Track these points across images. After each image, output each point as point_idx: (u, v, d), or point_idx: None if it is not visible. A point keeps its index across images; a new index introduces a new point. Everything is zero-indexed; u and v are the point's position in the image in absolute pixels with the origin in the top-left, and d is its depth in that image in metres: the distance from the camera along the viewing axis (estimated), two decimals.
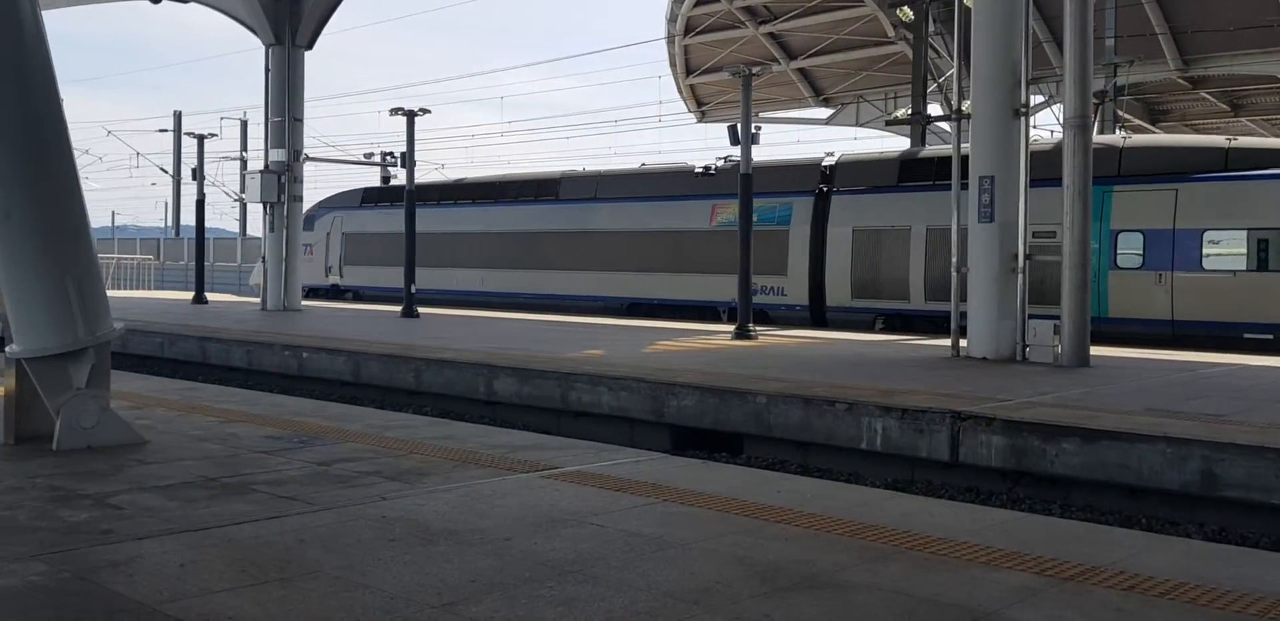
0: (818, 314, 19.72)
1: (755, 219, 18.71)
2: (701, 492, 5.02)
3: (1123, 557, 4.03)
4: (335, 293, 27.92)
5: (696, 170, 21.11)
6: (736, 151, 16.16)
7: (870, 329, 18.64)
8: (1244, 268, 15.28)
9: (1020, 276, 11.94)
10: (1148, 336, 15.81)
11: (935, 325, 17.33)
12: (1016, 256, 11.98)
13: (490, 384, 10.43)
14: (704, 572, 3.70)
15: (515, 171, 27.09)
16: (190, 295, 25.44)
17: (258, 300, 22.63)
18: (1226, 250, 15.57)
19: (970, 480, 7.49)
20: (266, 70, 21.85)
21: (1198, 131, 33.60)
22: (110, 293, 24.51)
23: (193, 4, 21.95)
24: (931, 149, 20.03)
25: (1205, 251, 15.58)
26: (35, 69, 5.87)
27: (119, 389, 8.04)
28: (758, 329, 15.40)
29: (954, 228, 12.81)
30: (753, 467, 7.01)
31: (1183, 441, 6.51)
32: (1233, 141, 16.59)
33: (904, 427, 7.65)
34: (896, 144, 29.76)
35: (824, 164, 20.13)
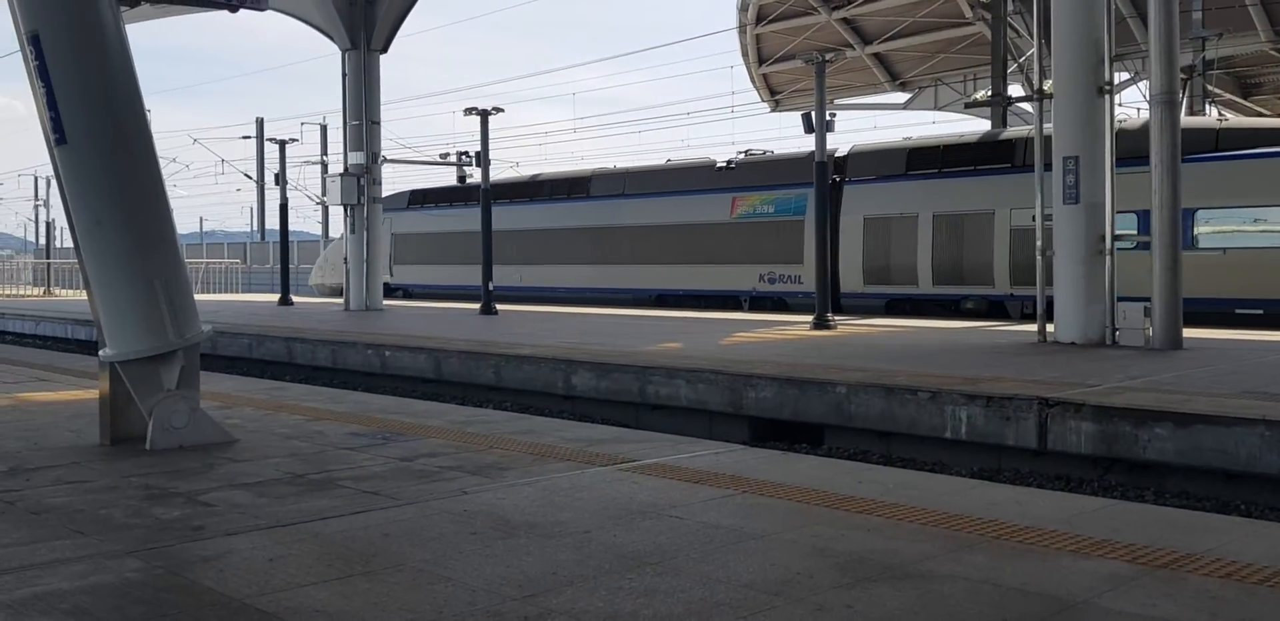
0: (831, 302, 19.45)
1: (773, 210, 20.86)
2: (781, 484, 4.99)
3: (1219, 545, 3.90)
4: (386, 291, 28.21)
5: (718, 165, 22.02)
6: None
7: (883, 314, 19.31)
8: (1234, 245, 15.87)
9: (1109, 259, 11.64)
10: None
11: (943, 308, 18.75)
12: (1104, 238, 11.68)
13: (568, 378, 10.49)
14: (784, 563, 3.67)
15: (549, 171, 28.35)
16: (276, 297, 26.03)
17: (339, 301, 23.06)
18: (1220, 229, 16.14)
19: (1059, 468, 7.32)
20: (343, 75, 22.22)
21: None
22: (199, 296, 25.21)
23: (271, 13, 22.40)
24: (936, 137, 20.51)
25: (1197, 231, 15.96)
26: (121, 82, 6.04)
27: (209, 389, 8.26)
28: (836, 319, 15.23)
29: (1038, 211, 12.54)
30: (834, 458, 6.94)
31: None
32: (1223, 122, 17.19)
33: (989, 415, 7.50)
34: (977, 126, 29.19)
35: (837, 155, 20.38)
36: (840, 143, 20.14)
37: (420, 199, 29.21)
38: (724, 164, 22.06)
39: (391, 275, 28.53)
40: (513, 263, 25.22)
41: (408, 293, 28.73)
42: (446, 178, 27.80)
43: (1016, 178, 17.77)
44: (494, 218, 22.22)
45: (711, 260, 21.87)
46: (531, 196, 26.02)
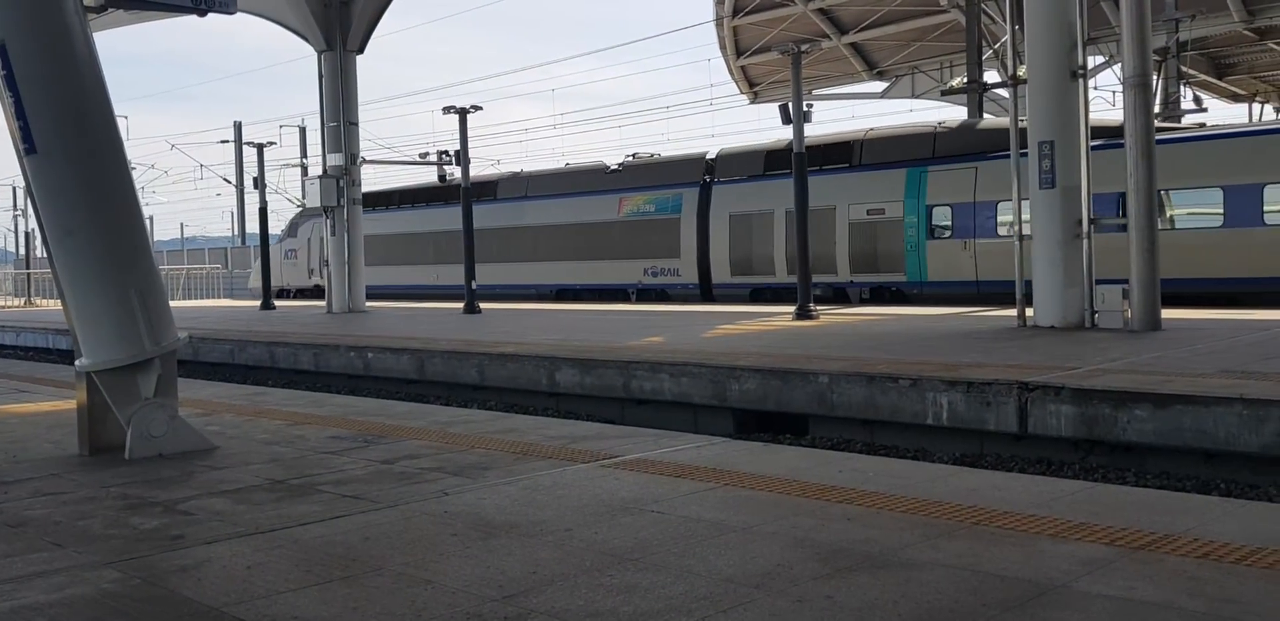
0: (706, 291, 22.43)
1: (654, 208, 22.96)
2: (762, 475, 4.99)
3: (1197, 524, 3.92)
4: (318, 292, 30.47)
5: (608, 168, 24.09)
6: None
7: (751, 302, 21.21)
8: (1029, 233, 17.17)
9: (1086, 242, 11.69)
10: (960, 297, 18.35)
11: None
12: (1081, 222, 11.73)
13: (552, 375, 10.48)
14: (765, 556, 3.67)
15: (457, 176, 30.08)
16: (258, 302, 25.95)
17: (321, 303, 22.98)
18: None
19: (1041, 451, 7.36)
20: (320, 76, 22.14)
21: (1265, 82, 32.62)
22: (182, 303, 25.29)
23: (247, 16, 22.29)
24: (788, 140, 22.26)
25: (1000, 220, 17.96)
26: (90, 90, 6.00)
27: (189, 396, 8.24)
28: (818, 308, 15.28)
29: (1015, 196, 12.59)
30: (816, 448, 6.96)
31: (1260, 402, 6.32)
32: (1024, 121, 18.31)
33: (970, 401, 7.53)
34: (953, 114, 29.26)
35: (708, 157, 22.82)
36: (819, 132, 20.88)
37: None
38: (612, 167, 24.13)
39: (322, 277, 29.55)
40: (431, 263, 26.99)
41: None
42: (427, 177, 28.04)
43: (854, 176, 20.32)
44: (414, 221, 24.24)
45: (603, 256, 23.80)
46: (446, 200, 27.50)
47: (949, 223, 18.81)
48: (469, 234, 20.69)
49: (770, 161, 21.53)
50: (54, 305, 30.96)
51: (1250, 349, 8.94)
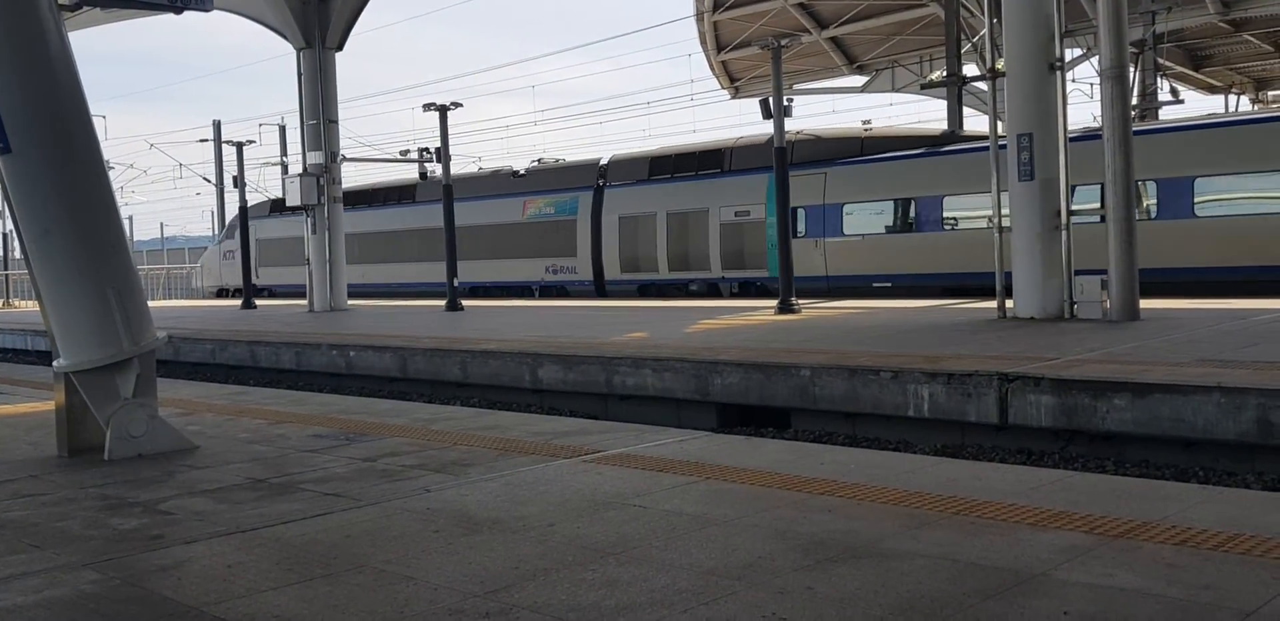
0: (600, 287, 24.13)
1: (554, 210, 24.71)
2: (744, 469, 5.00)
3: (1176, 511, 3.95)
4: (255, 291, 32.10)
5: (514, 172, 25.66)
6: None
7: (638, 297, 22.87)
8: (870, 232, 19.85)
9: (1065, 234, 11.75)
10: (811, 291, 19.88)
11: (680, 290, 22.79)
12: (1059, 214, 11.79)
13: (535, 372, 10.47)
14: (746, 548, 3.68)
15: (383, 180, 32.38)
16: (239, 301, 25.84)
17: (304, 302, 22.89)
18: (859, 219, 20.04)
19: (1021, 442, 7.40)
20: (299, 74, 22.04)
21: (1241, 74, 32.80)
22: (163, 302, 25.18)
23: (225, 13, 22.18)
24: (675, 146, 24.35)
25: (846, 221, 20.03)
26: (65, 89, 5.95)
27: (169, 396, 8.20)
28: (800, 302, 15.32)
29: (994, 188, 12.65)
30: (799, 441, 6.97)
31: (1237, 390, 6.37)
32: (867, 131, 21.30)
33: (951, 392, 7.56)
34: (933, 107, 29.35)
35: (601, 163, 24.59)
36: (798, 128, 21.87)
37: (280, 207, 32.48)
38: (518, 172, 25.85)
39: (258, 276, 31.68)
40: (357, 262, 28.27)
41: (271, 292, 32.16)
42: (408, 174, 28.33)
43: (725, 181, 22.02)
44: (359, 222, 25.54)
45: (510, 255, 25.50)
46: (370, 202, 29.30)
47: (803, 224, 20.53)
48: (450, 230, 20.77)
49: (654, 167, 23.32)
50: (32, 306, 30.74)
51: (1228, 337, 9.00)
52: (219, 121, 46.20)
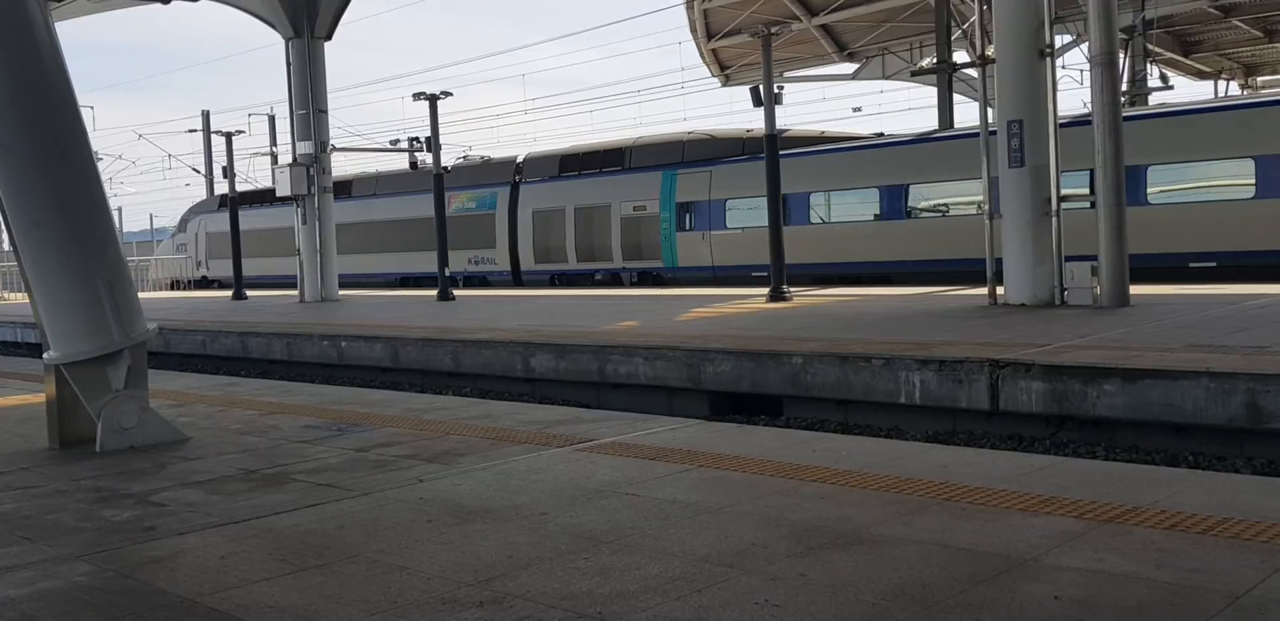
0: (517, 278, 25.67)
1: (475, 205, 26.25)
2: (737, 457, 5.02)
3: (1165, 496, 3.97)
4: (204, 283, 34.23)
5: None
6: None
7: (548, 286, 24.48)
8: (749, 225, 21.15)
9: (1055, 220, 11.77)
10: (699, 280, 21.86)
11: (588, 279, 24.32)
12: (1050, 200, 11.80)
13: (527, 361, 10.47)
14: (739, 535, 3.69)
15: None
16: (229, 292, 25.80)
17: (295, 293, 22.83)
18: (740, 214, 21.60)
19: (1013, 428, 7.42)
20: (288, 64, 21.92)
21: (1231, 60, 32.81)
22: (151, 294, 25.04)
23: (213, 3, 22.03)
24: (582, 145, 26.15)
25: (729, 215, 21.64)
26: (52, 80, 5.92)
27: (161, 388, 8.18)
28: (792, 290, 15.33)
29: (984, 174, 12.65)
30: (791, 429, 6.99)
31: (1226, 375, 6.40)
32: (749, 133, 22.42)
33: (942, 379, 7.59)
34: (924, 94, 29.34)
35: (518, 160, 26.11)
36: (788, 116, 22.90)
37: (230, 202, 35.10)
38: (444, 168, 27.26)
39: (208, 269, 34.20)
40: (295, 255, 29.94)
41: (221, 284, 33.20)
42: (398, 164, 28.73)
43: (625, 178, 23.64)
44: (278, 217, 26.41)
45: (435, 248, 26.04)
46: (337, 195, 30.59)
47: (693, 218, 22.28)
48: (441, 218, 20.78)
49: (564, 165, 24.94)
50: (22, 299, 30.62)
51: (1218, 323, 9.03)
52: (208, 112, 46.02)
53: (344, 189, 29.14)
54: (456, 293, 21.06)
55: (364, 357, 12.35)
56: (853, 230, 20.22)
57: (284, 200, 30.60)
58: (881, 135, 22.01)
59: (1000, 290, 12.13)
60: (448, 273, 20.21)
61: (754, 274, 20.87)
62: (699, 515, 3.99)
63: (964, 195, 18.46)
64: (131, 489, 4.82)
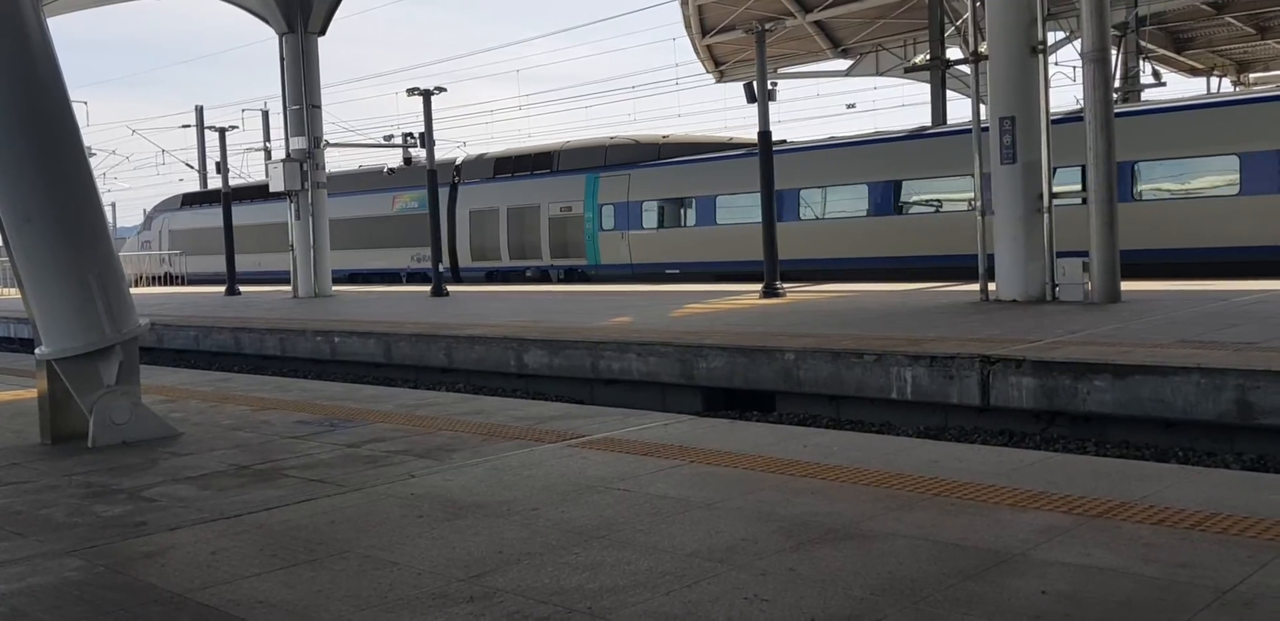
0: (456, 275, 26.81)
1: (417, 205, 26.92)
2: (728, 452, 5.03)
3: (1154, 491, 3.99)
4: (168, 279, 35.72)
5: (385, 169, 27.79)
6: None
7: (484, 282, 25.76)
8: (663, 225, 23.01)
9: (1046, 217, 11.79)
10: (619, 277, 23.31)
11: (520, 276, 25.77)
12: (1041, 196, 11.82)
13: (521, 357, 10.48)
14: (729, 531, 3.71)
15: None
16: (223, 288, 25.78)
17: (288, 288, 22.81)
18: (655, 215, 23.16)
19: (1004, 423, 7.45)
20: (281, 59, 21.89)
21: (1223, 56, 32.85)
22: (145, 290, 25.04)
23: None
24: (515, 148, 27.71)
25: (645, 216, 23.09)
26: (44, 76, 5.91)
27: (153, 383, 8.18)
28: (785, 286, 15.35)
29: (976, 171, 12.67)
30: (783, 424, 7.01)
31: (1216, 371, 6.42)
32: (665, 139, 24.59)
33: (933, 375, 7.60)
34: (917, 90, 29.38)
35: (457, 162, 27.41)
36: (782, 112, 23.37)
37: (191, 201, 36.56)
38: (391, 169, 28.05)
39: (170, 265, 35.70)
40: (252, 252, 31.49)
41: (183, 279, 35.44)
42: (392, 159, 28.92)
43: (553, 180, 25.12)
44: (235, 215, 27.34)
45: (383, 245, 28.19)
46: (266, 197, 30.88)
47: (612, 218, 23.69)
48: (434, 216, 20.75)
49: (498, 167, 26.35)
50: (13, 294, 30.55)
51: (1208, 319, 9.06)
52: (201, 107, 45.80)
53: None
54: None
55: (357, 353, 12.34)
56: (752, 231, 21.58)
57: (247, 198, 32.33)
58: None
59: (992, 286, 12.16)
60: (409, 269, 21.35)
61: (668, 271, 22.60)
62: (690, 510, 4.00)
63: (855, 198, 20.13)
64: (123, 484, 4.82)
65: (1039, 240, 11.73)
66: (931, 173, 18.99)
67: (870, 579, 3.14)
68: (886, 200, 19.63)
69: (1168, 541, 3.39)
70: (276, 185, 21.88)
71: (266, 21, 21.92)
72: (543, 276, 25.26)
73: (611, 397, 9.54)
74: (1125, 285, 11.40)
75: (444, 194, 26.56)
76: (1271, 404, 6.22)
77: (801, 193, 20.60)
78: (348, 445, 5.58)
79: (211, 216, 33.15)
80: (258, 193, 32.14)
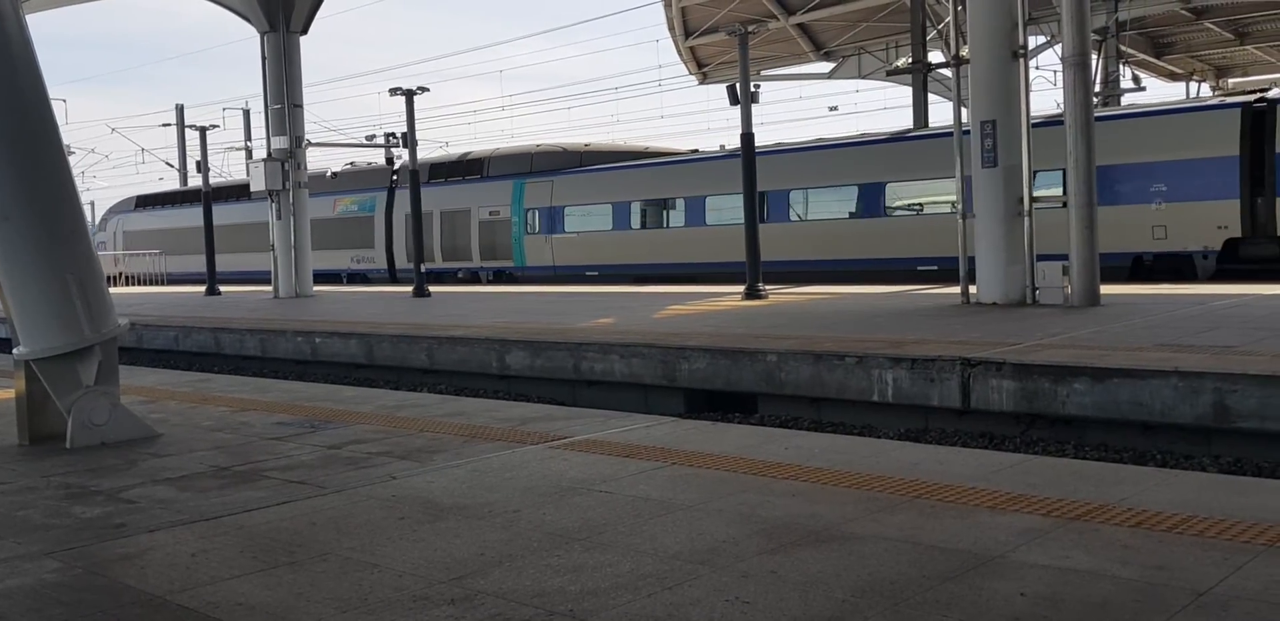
0: (393, 275, 28.17)
1: (357, 208, 29.11)
2: (710, 454, 5.03)
3: (1132, 494, 4.02)
4: (118, 279, 35.52)
5: (328, 173, 28.65)
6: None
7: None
8: (585, 230, 24.17)
9: (1027, 220, 11.86)
10: (541, 278, 24.56)
11: (453, 277, 26.82)
12: (1022, 200, 11.89)
13: (503, 358, 10.46)
14: (711, 532, 3.71)
15: (231, 179, 36.16)
16: (203, 287, 25.65)
17: (269, 288, 22.71)
18: (576, 220, 24.36)
19: (984, 426, 7.48)
20: (263, 58, 21.79)
21: (1202, 61, 33.12)
22: (125, 289, 24.88)
23: None
24: (450, 154, 29.05)
25: (567, 220, 24.45)
26: (22, 72, 5.86)
27: (132, 384, 8.13)
28: (767, 288, 15.38)
29: (958, 174, 12.73)
30: (764, 426, 7.02)
31: (1194, 375, 6.47)
32: (587, 147, 26.00)
33: (914, 377, 7.64)
34: (899, 93, 29.47)
35: (394, 168, 27.63)
36: (764, 114, 23.95)
37: (145, 202, 37.74)
38: (334, 173, 29.03)
39: (125, 265, 35.92)
40: (176, 254, 33.00)
41: (134, 280, 35.76)
42: (374, 159, 29.09)
43: (483, 185, 26.33)
44: (182, 218, 29.14)
45: (324, 246, 28.21)
46: (221, 198, 32.20)
47: (537, 222, 24.92)
48: (417, 218, 20.77)
49: (433, 172, 27.05)
50: None
51: (1186, 323, 9.13)
52: (182, 106, 45.64)
53: (243, 192, 30.50)
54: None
55: (338, 354, 12.30)
56: (668, 236, 23.07)
57: (193, 200, 32.86)
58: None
59: (973, 289, 12.21)
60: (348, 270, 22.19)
61: (587, 273, 23.93)
62: (671, 512, 4.00)
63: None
64: (101, 485, 4.79)
65: (1019, 243, 11.80)
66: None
67: (851, 581, 3.15)
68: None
69: (1145, 543, 3.41)
70: (258, 185, 21.78)
71: (248, 20, 21.83)
72: (473, 277, 26.57)
73: (594, 399, 9.54)
74: (1105, 289, 11.47)
75: (381, 198, 28.33)
76: (1248, 407, 6.27)
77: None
78: (328, 446, 5.56)
79: (164, 218, 35.54)
80: (226, 194, 32.84)
